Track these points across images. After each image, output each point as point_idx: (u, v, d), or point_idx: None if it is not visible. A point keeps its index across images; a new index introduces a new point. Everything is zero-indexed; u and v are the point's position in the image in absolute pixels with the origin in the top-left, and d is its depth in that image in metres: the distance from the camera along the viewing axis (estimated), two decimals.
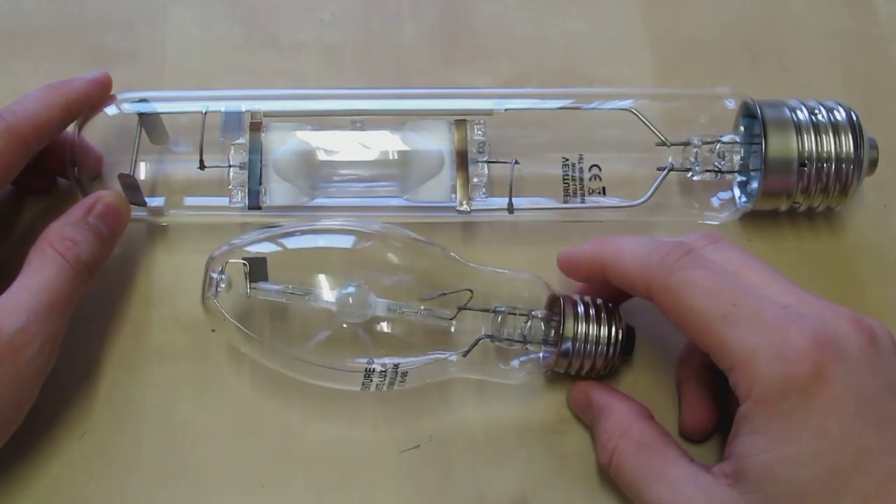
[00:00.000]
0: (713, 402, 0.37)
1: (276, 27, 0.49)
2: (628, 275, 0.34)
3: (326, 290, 0.37)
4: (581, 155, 0.41)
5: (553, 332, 0.37)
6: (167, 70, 0.47)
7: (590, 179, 0.41)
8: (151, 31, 0.48)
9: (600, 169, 0.41)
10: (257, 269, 0.36)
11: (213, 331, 0.40)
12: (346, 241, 0.38)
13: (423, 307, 0.37)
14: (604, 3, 0.50)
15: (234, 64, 0.47)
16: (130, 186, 0.39)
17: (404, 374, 0.36)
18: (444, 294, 0.37)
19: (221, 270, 0.36)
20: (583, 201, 0.41)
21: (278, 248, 0.37)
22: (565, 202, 0.41)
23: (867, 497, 0.29)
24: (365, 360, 0.36)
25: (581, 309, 0.36)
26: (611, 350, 0.36)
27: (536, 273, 0.38)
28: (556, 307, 0.37)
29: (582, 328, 0.36)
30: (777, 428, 0.30)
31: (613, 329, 0.36)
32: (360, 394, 0.38)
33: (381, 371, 0.36)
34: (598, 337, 0.36)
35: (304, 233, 0.38)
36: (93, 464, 0.37)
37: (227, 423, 0.38)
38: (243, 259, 0.36)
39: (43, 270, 0.35)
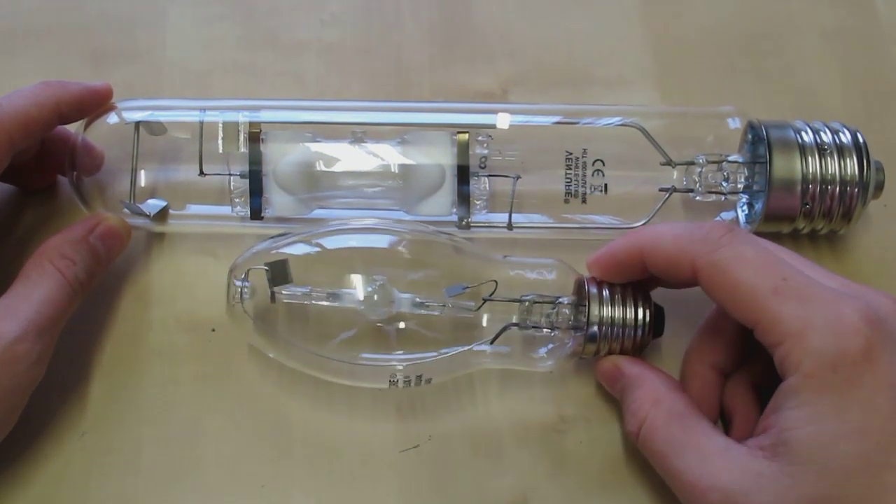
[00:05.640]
0: (715, 402, 0.37)
1: (276, 27, 0.49)
2: (671, 255, 0.34)
3: (350, 289, 0.37)
4: (585, 149, 0.41)
5: (581, 317, 0.37)
6: (167, 70, 0.47)
7: (592, 175, 0.40)
8: (151, 31, 0.48)
9: (604, 164, 0.41)
10: (280, 272, 0.36)
11: (213, 330, 0.40)
12: (366, 240, 0.39)
13: (447, 300, 0.37)
14: (604, 3, 0.50)
15: (234, 64, 0.48)
16: (136, 214, 0.40)
17: (429, 380, 0.37)
18: (467, 288, 0.37)
19: (245, 277, 0.36)
20: (584, 201, 0.41)
21: (299, 252, 0.37)
22: (566, 201, 0.41)
23: None
24: (391, 359, 0.36)
25: (607, 292, 0.36)
26: (639, 332, 0.36)
27: (557, 258, 0.38)
28: (580, 290, 0.37)
29: (608, 311, 0.36)
30: (825, 402, 0.30)
31: (641, 310, 0.36)
32: (359, 394, 0.38)
33: (406, 378, 0.36)
34: (625, 319, 0.36)
35: (323, 234, 0.38)
36: (93, 463, 0.37)
37: (227, 423, 0.38)
38: (265, 264, 0.36)
39: (43, 285, 0.35)
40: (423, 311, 0.37)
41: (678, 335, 0.39)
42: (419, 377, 0.36)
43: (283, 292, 0.37)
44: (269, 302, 0.37)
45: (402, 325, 0.37)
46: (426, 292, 0.37)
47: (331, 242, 0.38)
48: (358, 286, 0.37)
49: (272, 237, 0.38)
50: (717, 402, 0.37)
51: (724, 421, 0.37)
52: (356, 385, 0.38)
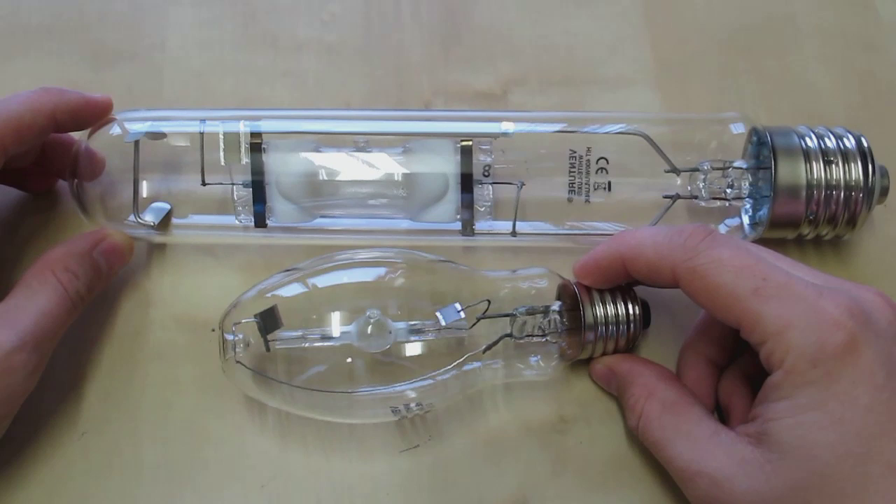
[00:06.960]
0: (710, 394, 0.37)
1: (276, 27, 0.49)
2: (651, 262, 0.34)
3: (345, 326, 0.36)
4: (589, 147, 0.40)
5: (572, 320, 0.37)
6: (167, 70, 0.47)
7: (596, 172, 0.40)
8: (151, 31, 0.48)
9: (608, 161, 0.40)
10: (270, 319, 0.36)
11: (213, 330, 0.40)
12: (354, 275, 0.38)
13: (442, 323, 0.37)
14: (604, 3, 0.50)
15: (234, 64, 0.48)
16: (141, 226, 0.40)
17: (431, 405, 0.37)
18: (462, 310, 0.37)
19: (235, 331, 0.36)
20: (587, 200, 0.40)
21: (287, 294, 0.37)
22: (569, 200, 0.40)
23: (894, 465, 0.29)
24: (391, 391, 0.36)
25: (596, 295, 0.37)
26: (631, 327, 0.37)
27: (544, 266, 0.39)
28: (566, 294, 0.38)
29: (600, 313, 0.37)
30: (806, 394, 0.30)
31: (630, 305, 0.37)
32: (358, 395, 0.38)
33: (412, 411, 0.36)
34: (617, 318, 0.37)
35: (310, 274, 0.38)
36: (93, 463, 0.37)
37: (227, 423, 0.38)
38: (254, 315, 0.36)
39: (44, 296, 0.35)
40: (419, 338, 0.37)
41: (663, 326, 0.40)
42: (420, 405, 0.36)
43: (278, 339, 0.36)
44: (262, 352, 0.36)
45: (399, 353, 0.37)
46: (420, 318, 0.37)
47: (319, 281, 0.38)
48: (350, 322, 0.36)
49: (254, 286, 0.37)
50: (713, 393, 0.38)
51: (721, 414, 0.38)
52: (360, 422, 0.38)
